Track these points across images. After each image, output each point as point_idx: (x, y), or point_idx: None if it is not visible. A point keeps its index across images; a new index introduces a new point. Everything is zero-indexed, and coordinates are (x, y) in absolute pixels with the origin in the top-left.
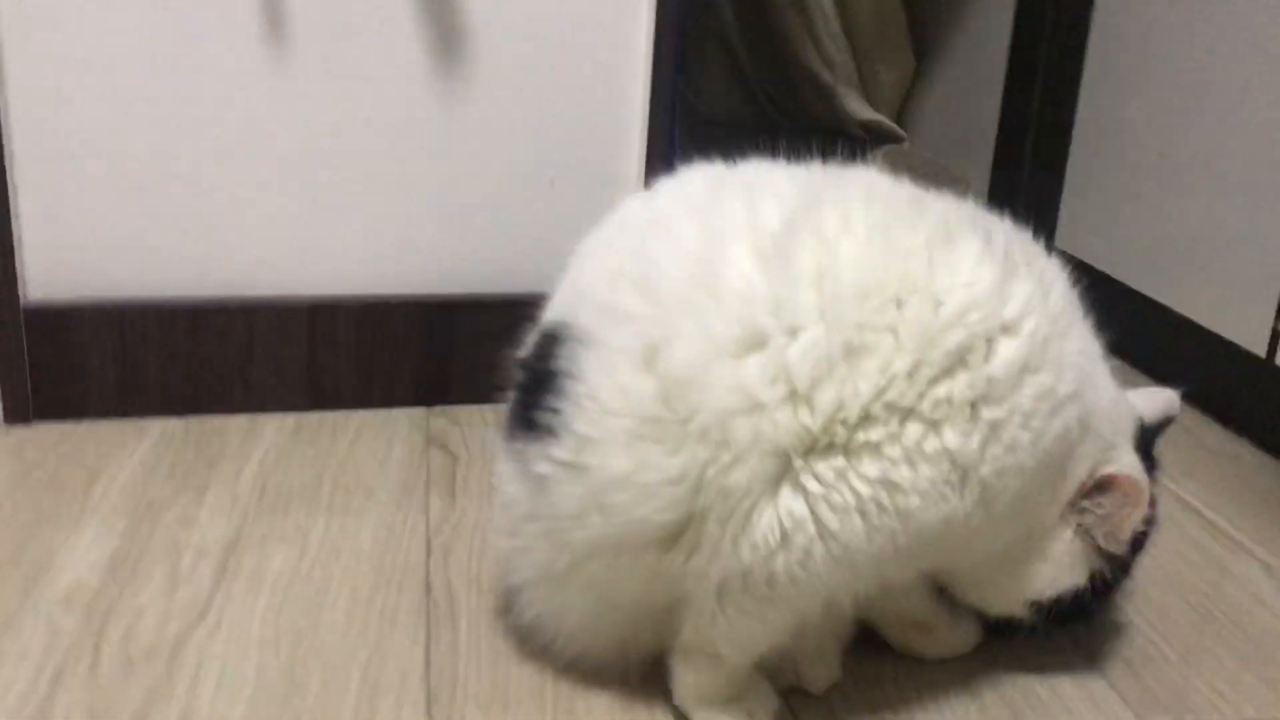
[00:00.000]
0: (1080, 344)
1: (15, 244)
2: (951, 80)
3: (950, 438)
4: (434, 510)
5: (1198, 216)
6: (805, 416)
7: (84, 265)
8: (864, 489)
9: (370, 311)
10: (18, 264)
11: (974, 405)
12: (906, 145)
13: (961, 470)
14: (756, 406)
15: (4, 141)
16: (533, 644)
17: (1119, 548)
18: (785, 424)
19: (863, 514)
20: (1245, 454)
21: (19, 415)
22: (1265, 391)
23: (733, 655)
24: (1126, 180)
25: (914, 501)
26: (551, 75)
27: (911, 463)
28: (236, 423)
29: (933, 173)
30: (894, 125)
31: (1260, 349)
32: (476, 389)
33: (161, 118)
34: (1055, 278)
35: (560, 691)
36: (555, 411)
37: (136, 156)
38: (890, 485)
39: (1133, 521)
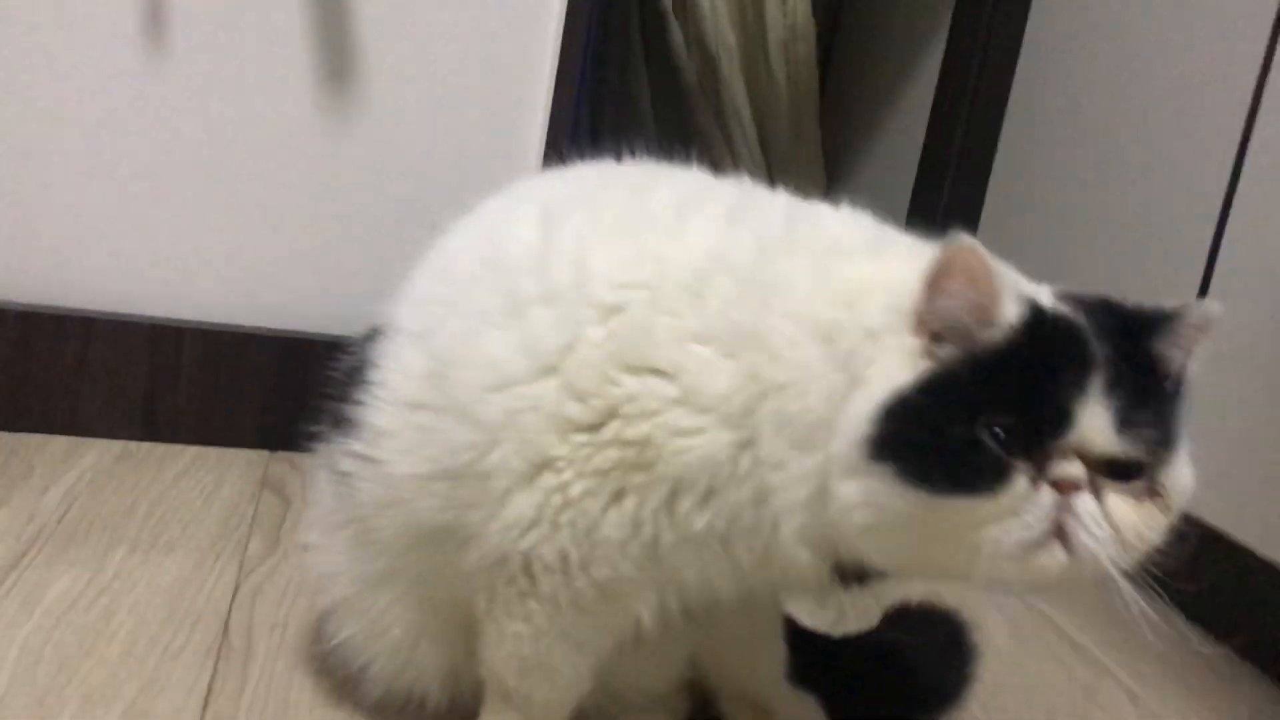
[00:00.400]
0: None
1: None
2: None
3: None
4: (252, 552)
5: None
6: (557, 390)
7: None
8: (614, 453)
9: (219, 340)
10: None
11: None
12: None
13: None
14: (506, 381)
15: None
16: (330, 697)
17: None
18: (539, 399)
19: (608, 479)
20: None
21: None
22: None
23: (524, 689)
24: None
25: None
26: (443, 115)
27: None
28: (58, 443)
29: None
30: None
31: None
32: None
33: (16, 103)
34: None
35: None
36: (357, 404)
37: None
38: (640, 444)
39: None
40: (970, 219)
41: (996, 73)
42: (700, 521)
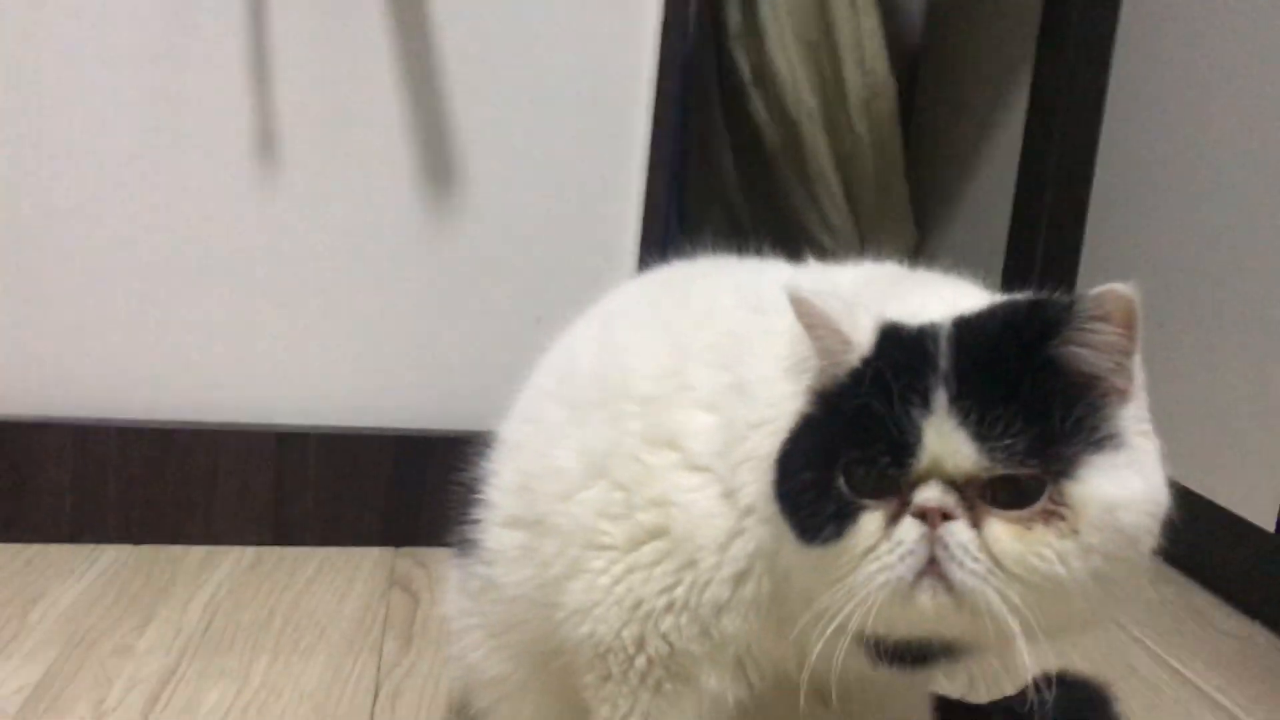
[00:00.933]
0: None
1: None
2: (953, 254)
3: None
4: (388, 653)
5: (1203, 385)
6: (607, 488)
7: (47, 380)
8: (642, 516)
9: (340, 444)
10: None
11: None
12: None
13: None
14: (570, 489)
15: None
16: None
17: None
18: (594, 500)
19: (641, 551)
20: (1257, 635)
21: None
22: (1275, 569)
23: None
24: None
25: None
26: (542, 212)
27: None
28: (194, 554)
29: None
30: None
31: (1269, 522)
32: (447, 531)
33: (138, 231)
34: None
35: None
36: (474, 524)
37: (109, 269)
38: (658, 505)
39: None
40: (1068, 265)
41: (1083, 116)
42: (725, 587)
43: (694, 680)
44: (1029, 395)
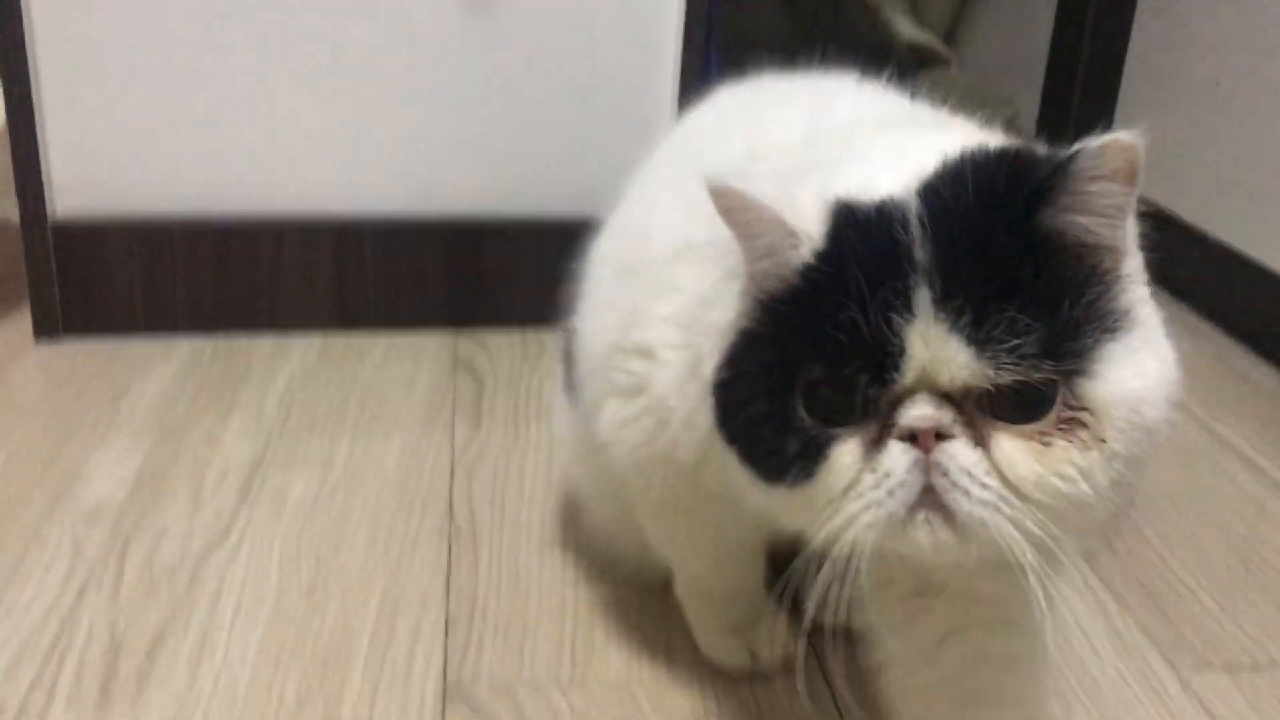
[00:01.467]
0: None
1: (42, 159)
2: (1003, 4)
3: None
4: (459, 434)
5: (1251, 146)
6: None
7: (112, 181)
8: (635, 365)
9: (398, 231)
10: (45, 179)
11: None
12: (954, 69)
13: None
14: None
15: (29, 55)
16: (555, 567)
17: None
18: (612, 343)
19: (634, 401)
20: None
21: (48, 330)
22: None
23: (663, 551)
24: (1177, 109)
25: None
26: (581, 10)
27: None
28: (263, 343)
29: (979, 99)
30: (942, 48)
31: None
32: (505, 312)
33: (191, 31)
34: None
35: (580, 615)
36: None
37: (165, 71)
38: (644, 354)
39: None
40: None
41: None
42: (693, 452)
43: (709, 519)
44: (1030, 281)
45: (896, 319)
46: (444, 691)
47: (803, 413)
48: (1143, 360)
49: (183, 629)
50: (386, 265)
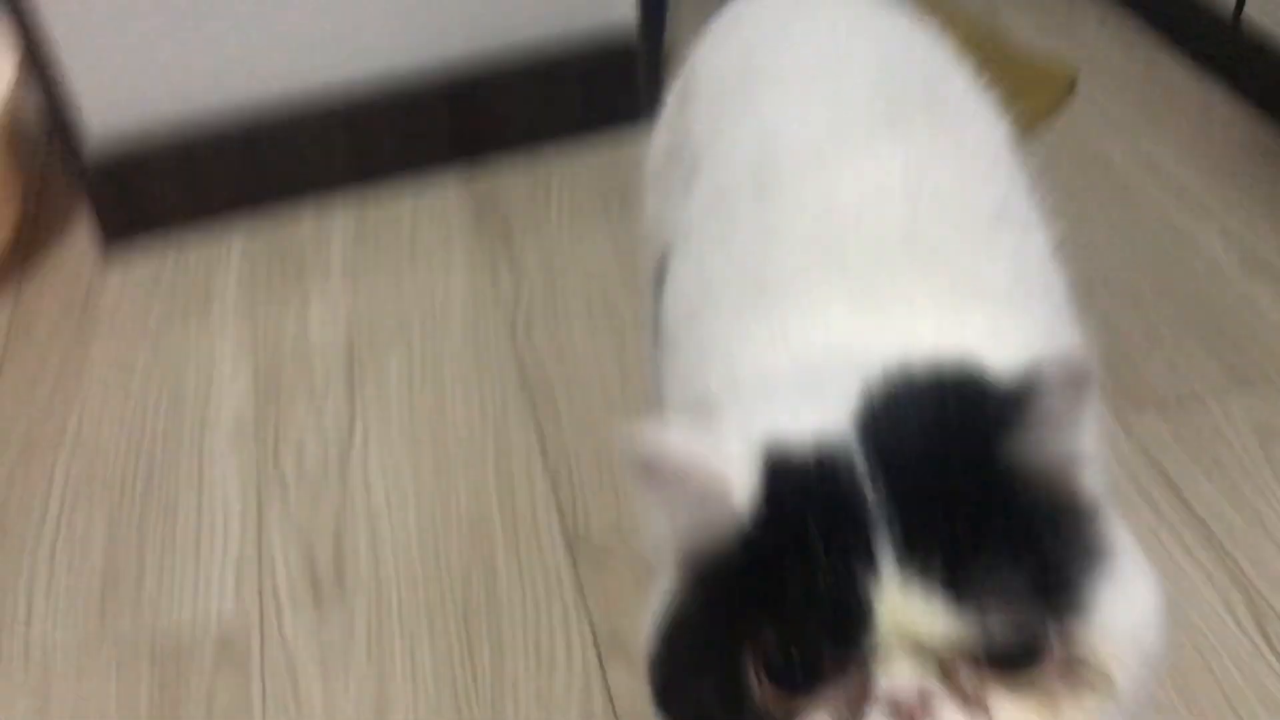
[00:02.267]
0: None
1: (68, 89)
2: None
3: None
4: (505, 289)
5: None
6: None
7: (136, 93)
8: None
9: (403, 83)
10: (75, 106)
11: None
12: None
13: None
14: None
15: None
16: (619, 415)
17: None
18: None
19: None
20: (1215, 103)
21: (115, 245)
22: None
23: None
24: None
25: None
26: None
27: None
28: (305, 227)
29: None
30: None
31: None
32: (511, 141)
33: None
34: None
35: None
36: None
37: None
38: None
39: None
40: None
41: None
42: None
43: None
44: (1000, 519)
45: (860, 573)
46: (568, 544)
47: (754, 685)
48: (1133, 585)
49: (354, 523)
50: (397, 117)
